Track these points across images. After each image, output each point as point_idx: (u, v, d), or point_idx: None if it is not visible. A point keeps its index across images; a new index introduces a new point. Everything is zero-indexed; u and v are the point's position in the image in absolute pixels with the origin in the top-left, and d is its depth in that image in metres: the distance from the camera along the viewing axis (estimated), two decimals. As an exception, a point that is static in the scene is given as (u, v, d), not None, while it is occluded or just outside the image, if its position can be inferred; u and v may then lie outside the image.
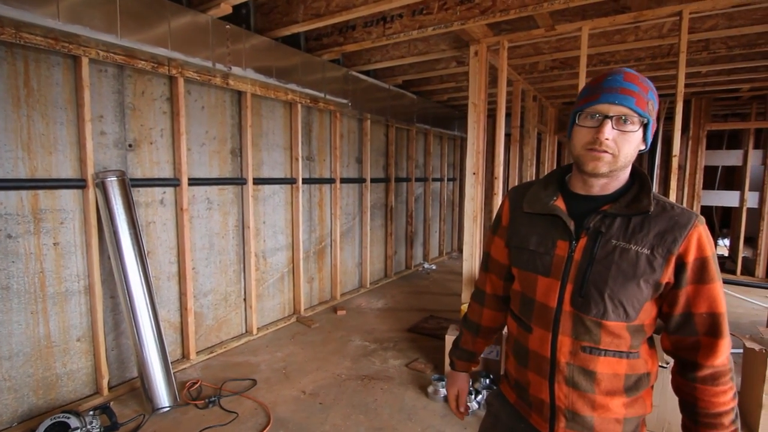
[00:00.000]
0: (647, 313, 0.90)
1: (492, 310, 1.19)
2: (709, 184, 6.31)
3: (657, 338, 1.01)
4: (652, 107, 0.87)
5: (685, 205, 5.53)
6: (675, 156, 2.84)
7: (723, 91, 5.42)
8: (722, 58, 3.89)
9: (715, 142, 7.57)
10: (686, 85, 4.81)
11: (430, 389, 2.72)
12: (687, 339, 0.89)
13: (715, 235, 7.22)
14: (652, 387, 0.98)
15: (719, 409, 0.88)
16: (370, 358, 3.27)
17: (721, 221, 7.57)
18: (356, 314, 4.30)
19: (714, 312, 0.86)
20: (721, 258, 6.70)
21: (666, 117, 5.73)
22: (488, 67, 3.34)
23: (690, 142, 5.69)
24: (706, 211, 6.57)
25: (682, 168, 5.71)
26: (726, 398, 0.88)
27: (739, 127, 5.94)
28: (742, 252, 5.81)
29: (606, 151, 0.86)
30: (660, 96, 5.89)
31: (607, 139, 0.85)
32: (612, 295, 0.87)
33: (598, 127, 0.86)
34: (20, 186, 2.26)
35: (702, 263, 0.86)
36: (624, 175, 0.93)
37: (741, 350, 2.53)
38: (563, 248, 0.93)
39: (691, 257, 0.85)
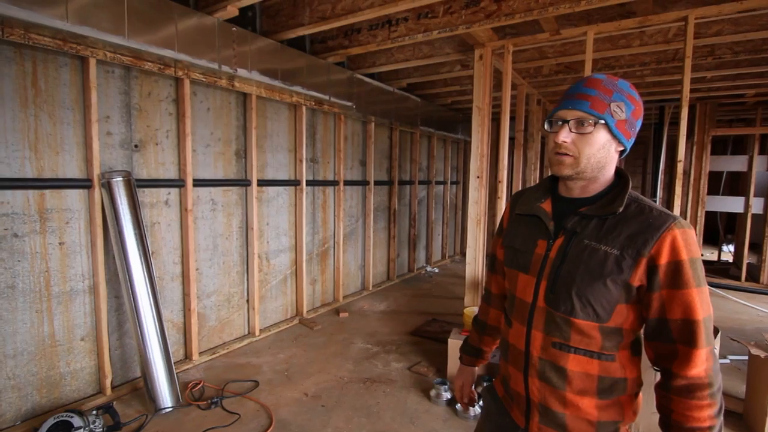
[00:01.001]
0: (622, 317, 0.89)
1: (497, 310, 1.25)
2: (713, 190, 6.29)
3: None
4: (618, 108, 0.89)
5: (689, 210, 5.51)
6: (680, 161, 2.84)
7: (728, 97, 5.41)
8: (727, 64, 3.88)
9: (720, 147, 7.55)
10: (691, 90, 4.79)
11: (433, 393, 2.71)
12: (664, 346, 0.87)
13: (720, 242, 7.19)
14: (636, 396, 0.96)
15: (694, 424, 0.83)
16: (372, 361, 3.27)
17: (725, 227, 7.53)
18: (359, 317, 4.30)
19: (689, 319, 0.83)
20: (725, 264, 6.67)
21: (671, 122, 5.72)
22: (493, 71, 3.35)
23: (695, 148, 5.67)
24: (711, 216, 6.54)
25: (686, 173, 5.69)
26: (702, 414, 0.82)
27: (744, 132, 5.92)
28: (747, 258, 5.77)
29: (566, 154, 0.91)
30: (665, 101, 5.88)
31: (564, 141, 0.90)
32: (579, 293, 0.89)
33: (557, 132, 0.91)
34: (27, 185, 2.28)
35: (675, 267, 0.84)
36: (604, 178, 0.95)
37: (746, 357, 2.51)
38: (542, 247, 0.98)
39: (663, 260, 0.84)
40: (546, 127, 0.97)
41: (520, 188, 4.81)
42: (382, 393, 2.80)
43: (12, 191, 2.23)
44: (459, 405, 2.41)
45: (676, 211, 2.96)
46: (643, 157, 9.37)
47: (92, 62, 2.41)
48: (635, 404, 0.96)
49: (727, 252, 7.26)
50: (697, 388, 0.83)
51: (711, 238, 8.07)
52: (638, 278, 0.86)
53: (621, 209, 0.89)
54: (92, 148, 2.46)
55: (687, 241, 0.85)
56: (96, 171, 2.49)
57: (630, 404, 0.95)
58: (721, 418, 0.84)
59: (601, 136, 0.90)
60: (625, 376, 0.93)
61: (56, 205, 2.40)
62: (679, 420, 0.85)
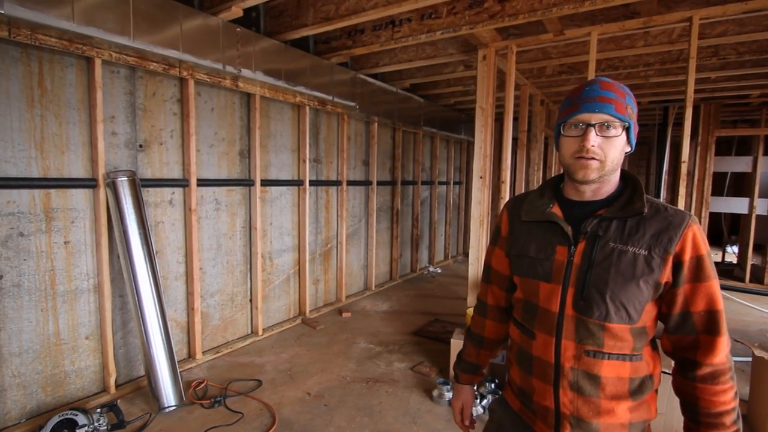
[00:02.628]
0: (648, 315, 0.91)
1: (495, 322, 1.20)
2: (717, 191, 6.26)
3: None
4: (631, 111, 0.91)
5: (693, 211, 5.49)
6: (684, 162, 2.83)
7: (733, 97, 5.38)
8: (732, 64, 3.87)
9: (724, 148, 7.51)
10: (696, 91, 4.77)
11: (435, 393, 2.72)
12: (686, 338, 0.90)
13: (724, 243, 7.15)
14: (656, 391, 0.98)
15: (720, 408, 0.87)
16: (375, 361, 3.27)
17: (729, 228, 7.50)
18: (361, 317, 4.30)
19: (712, 309, 0.87)
20: (730, 265, 6.64)
21: (675, 123, 5.69)
22: (496, 72, 3.35)
23: (699, 148, 5.65)
24: (715, 217, 6.51)
25: (690, 174, 5.67)
26: (727, 397, 0.87)
27: (748, 133, 5.90)
28: (751, 259, 5.75)
29: (593, 158, 0.89)
30: (669, 102, 5.85)
31: (593, 146, 0.88)
32: (613, 297, 0.88)
33: (583, 136, 0.89)
34: (33, 185, 2.29)
35: (698, 261, 0.87)
36: (614, 180, 0.96)
37: (750, 359, 2.50)
38: (563, 253, 0.95)
39: (687, 256, 0.87)
40: (562, 131, 0.94)
41: (523, 189, 4.81)
42: (384, 393, 2.80)
43: (18, 190, 2.25)
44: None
45: (680, 212, 2.95)
46: (646, 158, 9.34)
47: (98, 62, 2.42)
48: (656, 400, 0.99)
49: (731, 253, 7.23)
50: (720, 373, 0.88)
51: (715, 239, 8.04)
52: (666, 275, 0.88)
53: (646, 210, 0.90)
54: (97, 148, 2.48)
55: (702, 236, 0.89)
56: (101, 171, 2.50)
57: (654, 401, 0.97)
58: (738, 397, 0.90)
59: (622, 139, 0.91)
60: (651, 372, 0.94)
61: (62, 204, 2.42)
62: (706, 406, 0.89)
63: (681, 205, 2.89)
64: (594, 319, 0.90)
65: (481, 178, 3.35)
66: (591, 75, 2.95)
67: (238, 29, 2.98)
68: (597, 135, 0.88)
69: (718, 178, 6.23)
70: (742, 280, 5.72)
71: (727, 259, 7.06)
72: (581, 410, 0.92)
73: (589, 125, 0.89)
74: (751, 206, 5.67)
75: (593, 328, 0.90)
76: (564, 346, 0.93)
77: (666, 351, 0.95)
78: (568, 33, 3.04)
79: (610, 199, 0.95)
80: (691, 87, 2.71)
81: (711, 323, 0.87)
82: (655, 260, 0.87)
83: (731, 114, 6.63)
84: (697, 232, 0.88)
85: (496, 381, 2.79)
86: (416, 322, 4.15)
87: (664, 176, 5.81)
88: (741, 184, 7.16)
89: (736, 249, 7.14)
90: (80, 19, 2.17)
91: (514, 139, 4.84)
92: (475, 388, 1.31)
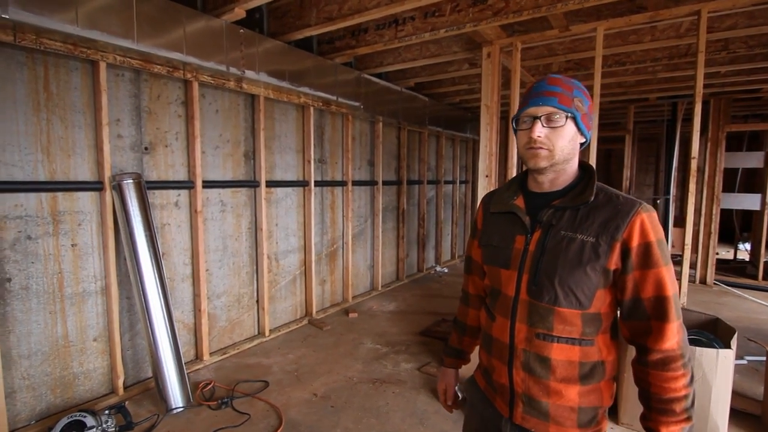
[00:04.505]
0: (601, 301, 0.94)
1: (476, 310, 1.27)
2: (728, 187, 6.16)
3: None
4: (580, 103, 0.97)
5: (704, 208, 5.41)
6: (693, 158, 2.78)
7: (743, 92, 5.29)
8: (742, 58, 3.80)
9: (735, 143, 7.39)
10: (705, 86, 4.70)
11: (442, 393, 2.70)
12: (638, 324, 0.93)
13: (736, 240, 7.04)
14: (614, 380, 1.01)
15: (671, 395, 0.89)
16: (381, 362, 3.26)
17: (741, 225, 7.38)
18: (368, 317, 4.29)
19: (661, 295, 0.89)
20: (742, 263, 6.54)
21: (684, 118, 5.62)
22: (501, 69, 3.32)
23: (709, 144, 5.56)
24: (726, 214, 6.42)
25: (700, 170, 5.58)
26: (678, 384, 0.89)
27: (759, 128, 5.79)
28: (764, 256, 5.65)
29: (541, 147, 0.96)
30: (677, 97, 5.77)
31: (539, 136, 0.95)
32: (562, 282, 0.93)
33: (531, 128, 0.96)
34: (40, 188, 2.31)
35: (646, 248, 0.90)
36: (570, 170, 1.00)
37: (764, 358, 2.45)
38: (521, 242, 1.01)
39: (634, 242, 0.90)
40: (513, 125, 1.03)
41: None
42: (391, 393, 2.79)
43: (25, 194, 2.27)
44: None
45: (691, 208, 2.91)
46: (655, 154, 9.23)
47: (102, 66, 2.44)
48: (612, 388, 1.01)
49: (744, 250, 7.12)
50: (671, 360, 0.89)
51: (726, 237, 7.92)
52: (614, 262, 0.91)
53: (592, 198, 0.95)
54: (103, 151, 2.49)
55: (653, 223, 0.91)
56: (107, 173, 2.52)
57: (608, 388, 1.00)
58: (694, 386, 0.91)
59: (570, 129, 0.96)
60: (603, 359, 0.97)
61: (68, 207, 2.44)
62: (657, 392, 0.91)
63: (691, 201, 2.85)
64: (544, 303, 0.95)
65: (486, 176, 3.33)
66: (598, 71, 2.91)
67: (242, 31, 2.98)
68: (543, 126, 0.95)
69: (729, 174, 6.13)
70: (755, 277, 5.63)
71: (739, 256, 6.95)
72: (532, 390, 0.98)
73: (535, 118, 0.96)
74: (764, 202, 5.57)
75: (543, 312, 0.95)
76: (517, 328, 0.99)
77: (625, 338, 0.98)
78: (574, 29, 3.01)
79: (566, 190, 1.00)
80: (700, 82, 2.66)
81: (660, 309, 0.89)
82: (602, 247, 0.91)
83: (742, 109, 6.52)
84: (645, 219, 0.90)
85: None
86: (423, 322, 4.13)
87: (674, 173, 5.74)
88: (753, 180, 7.04)
89: (748, 246, 7.03)
90: (84, 23, 2.18)
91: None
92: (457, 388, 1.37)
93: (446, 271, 6.31)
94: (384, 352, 3.45)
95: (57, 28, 2.10)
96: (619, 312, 0.97)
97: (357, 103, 4.21)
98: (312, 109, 3.92)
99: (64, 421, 2.19)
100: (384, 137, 5.08)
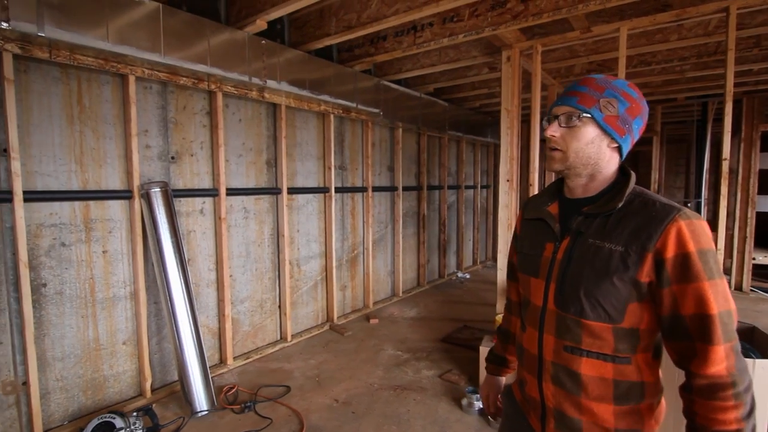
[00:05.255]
0: (637, 317, 0.87)
1: (518, 317, 1.23)
2: (764, 189, 5.89)
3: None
4: (609, 104, 0.90)
5: (738, 211, 5.19)
6: (725, 159, 2.68)
7: (778, 90, 5.07)
8: (776, 55, 3.65)
9: (771, 143, 7.07)
10: (736, 84, 4.53)
11: (465, 402, 2.66)
12: (682, 345, 0.83)
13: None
14: (658, 403, 0.92)
15: (719, 427, 0.78)
16: (402, 368, 3.24)
17: (779, 228, 7.03)
18: (389, 323, 4.28)
19: (703, 313, 0.79)
20: (780, 268, 6.22)
21: (715, 118, 5.42)
22: (521, 72, 3.29)
23: (742, 145, 5.34)
24: (763, 217, 6.13)
25: (734, 172, 5.36)
26: (727, 416, 0.77)
27: (797, 127, 5.52)
28: (805, 261, 5.36)
29: (555, 148, 0.94)
30: (707, 97, 5.57)
31: (553, 135, 0.93)
32: (587, 293, 0.87)
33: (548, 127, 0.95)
34: (73, 197, 2.42)
35: (683, 259, 0.80)
36: (604, 176, 0.95)
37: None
38: (549, 249, 0.98)
39: (669, 253, 0.81)
40: (543, 125, 1.00)
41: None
42: (412, 401, 2.77)
43: (60, 203, 2.37)
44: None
45: (723, 212, 2.80)
46: (685, 156, 8.92)
47: (131, 79, 2.53)
48: (657, 412, 0.92)
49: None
50: (719, 387, 0.78)
51: (763, 241, 7.55)
52: (646, 274, 0.83)
53: (621, 204, 0.89)
54: (132, 161, 2.59)
55: (694, 232, 0.81)
56: (136, 182, 2.61)
57: (650, 412, 0.91)
58: (753, 421, 0.79)
59: (589, 131, 0.91)
60: (642, 380, 0.89)
61: (100, 215, 2.53)
62: (703, 423, 0.80)
63: (723, 204, 2.74)
64: (570, 315, 0.91)
65: (508, 181, 3.29)
66: (622, 72, 2.84)
67: (263, 42, 3.06)
68: (561, 126, 0.92)
69: (765, 175, 5.87)
70: (796, 283, 5.35)
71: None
72: (563, 405, 0.93)
73: (555, 117, 0.94)
74: (803, 205, 5.30)
75: (570, 323, 0.91)
76: (545, 340, 0.95)
77: (672, 360, 0.89)
78: (596, 30, 2.95)
79: (599, 196, 0.95)
80: (730, 81, 2.57)
81: (703, 329, 0.79)
82: (631, 257, 0.84)
83: (777, 107, 6.24)
84: (684, 227, 0.81)
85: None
86: (444, 328, 4.09)
87: (705, 175, 5.53)
88: (791, 182, 6.71)
89: (787, 251, 6.68)
90: (115, 38, 2.28)
91: (543, 141, 4.73)
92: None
93: (468, 277, 6.24)
94: (405, 358, 3.43)
95: (89, 44, 2.20)
96: (660, 330, 0.89)
97: (376, 110, 4.23)
98: (332, 116, 3.96)
99: (95, 422, 2.26)
100: (404, 143, 5.09)
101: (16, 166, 2.13)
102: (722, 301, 0.79)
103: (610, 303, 0.86)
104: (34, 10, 2.00)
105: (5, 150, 2.14)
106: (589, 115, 0.90)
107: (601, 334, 0.87)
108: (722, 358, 0.78)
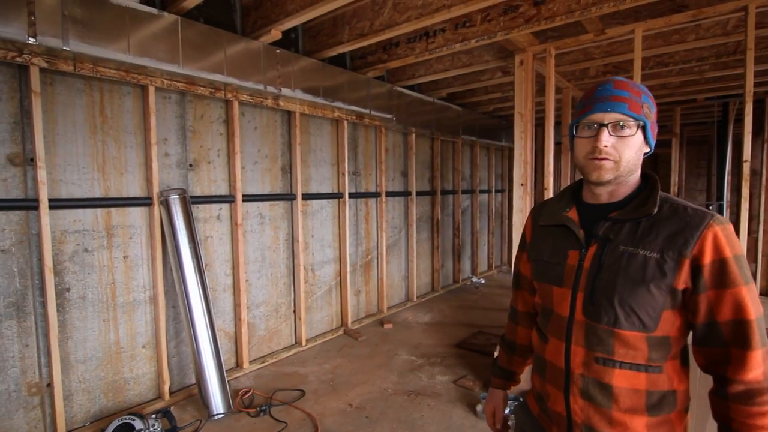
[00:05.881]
0: (670, 324, 0.85)
1: (526, 328, 1.20)
2: (791, 191, 5.70)
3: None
4: (648, 110, 0.88)
5: (762, 214, 5.04)
6: (746, 161, 2.62)
7: (803, 89, 4.93)
8: (799, 53, 3.55)
9: (797, 144, 6.85)
10: (758, 84, 4.43)
11: (479, 408, 2.64)
12: (715, 351, 0.83)
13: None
14: (686, 411, 0.91)
15: None
16: (416, 373, 3.24)
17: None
18: (403, 328, 4.28)
19: (741, 319, 0.79)
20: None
21: (736, 119, 5.29)
22: (535, 76, 3.27)
23: (765, 146, 5.19)
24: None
25: (757, 174, 5.21)
26: (765, 421, 0.77)
27: (825, 127, 5.35)
28: (835, 266, 5.16)
29: (607, 158, 0.87)
30: (728, 97, 5.46)
31: (606, 146, 0.87)
32: (622, 302, 0.84)
33: (596, 136, 0.88)
34: (96, 204, 2.50)
35: (721, 265, 0.80)
36: (632, 181, 0.92)
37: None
38: (574, 257, 0.94)
39: (707, 259, 0.80)
40: (574, 131, 0.93)
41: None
42: (426, 406, 2.76)
43: (83, 210, 2.46)
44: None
45: (745, 214, 2.73)
46: (707, 157, 8.71)
47: (151, 90, 2.61)
48: (685, 421, 0.91)
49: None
50: (756, 393, 0.78)
51: (791, 245, 7.30)
52: (682, 281, 0.82)
53: (655, 210, 0.86)
54: (152, 169, 2.66)
55: (729, 237, 0.81)
56: (155, 189, 2.68)
57: (680, 421, 0.89)
58: None
59: (638, 139, 0.88)
60: (674, 389, 0.87)
61: (121, 221, 2.61)
62: (740, 429, 0.80)
63: (744, 207, 2.68)
64: (603, 325, 0.87)
65: (522, 185, 3.27)
66: (637, 73, 2.81)
67: (278, 51, 3.12)
68: (611, 135, 0.87)
69: (791, 177, 5.68)
70: (826, 289, 5.15)
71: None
72: (592, 419, 0.89)
73: (602, 125, 0.87)
74: (832, 207, 5.11)
75: (602, 334, 0.87)
76: (573, 351, 0.91)
77: (699, 365, 0.89)
78: (610, 32, 2.93)
79: (626, 201, 0.92)
80: (750, 80, 2.52)
81: (741, 335, 0.79)
82: (668, 264, 0.82)
83: (803, 107, 6.06)
84: (719, 232, 0.80)
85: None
86: (459, 334, 4.07)
87: (727, 177, 5.39)
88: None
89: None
90: (135, 50, 2.36)
91: (557, 144, 4.68)
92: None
93: (483, 281, 6.20)
94: (419, 363, 3.42)
95: (111, 56, 2.28)
96: (691, 337, 0.87)
97: (389, 116, 4.26)
98: (346, 122, 4.00)
99: (115, 423, 2.32)
100: (417, 148, 5.10)
101: (42, 174, 2.21)
102: (756, 306, 0.80)
103: (646, 311, 0.84)
104: (60, 25, 2.09)
105: (32, 159, 2.22)
106: (641, 123, 0.87)
107: (636, 344, 0.85)
108: (759, 363, 0.78)
